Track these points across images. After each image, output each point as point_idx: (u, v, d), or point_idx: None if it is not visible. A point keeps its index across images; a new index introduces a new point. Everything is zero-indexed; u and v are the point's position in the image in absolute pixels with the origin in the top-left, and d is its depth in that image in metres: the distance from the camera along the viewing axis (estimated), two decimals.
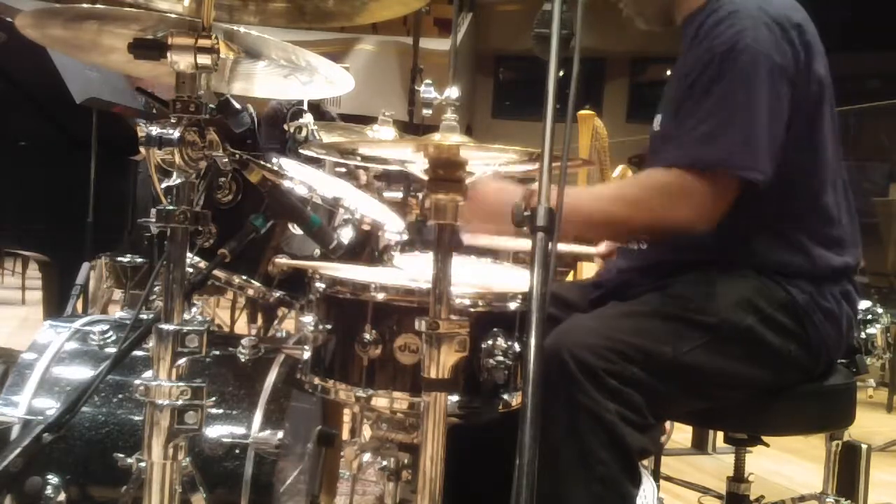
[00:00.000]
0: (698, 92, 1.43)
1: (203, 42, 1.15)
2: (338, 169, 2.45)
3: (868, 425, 4.25)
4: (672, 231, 1.46)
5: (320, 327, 1.34)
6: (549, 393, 1.08)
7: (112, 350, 1.61)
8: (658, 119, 1.66)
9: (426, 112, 1.30)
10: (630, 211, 1.46)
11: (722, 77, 1.41)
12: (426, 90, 1.26)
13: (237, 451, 1.51)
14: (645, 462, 2.49)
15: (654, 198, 1.45)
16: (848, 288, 1.56)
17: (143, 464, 1.18)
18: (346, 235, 1.69)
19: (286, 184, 1.62)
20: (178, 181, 1.17)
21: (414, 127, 3.98)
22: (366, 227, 1.75)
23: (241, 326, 3.97)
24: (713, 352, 1.43)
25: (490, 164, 1.28)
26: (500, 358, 1.26)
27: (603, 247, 2.13)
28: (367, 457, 1.46)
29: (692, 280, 1.50)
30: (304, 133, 2.40)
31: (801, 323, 1.48)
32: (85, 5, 1.18)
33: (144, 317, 1.47)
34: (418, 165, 1.22)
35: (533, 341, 1.01)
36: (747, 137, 1.39)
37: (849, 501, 2.42)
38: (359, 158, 1.44)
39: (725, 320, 1.44)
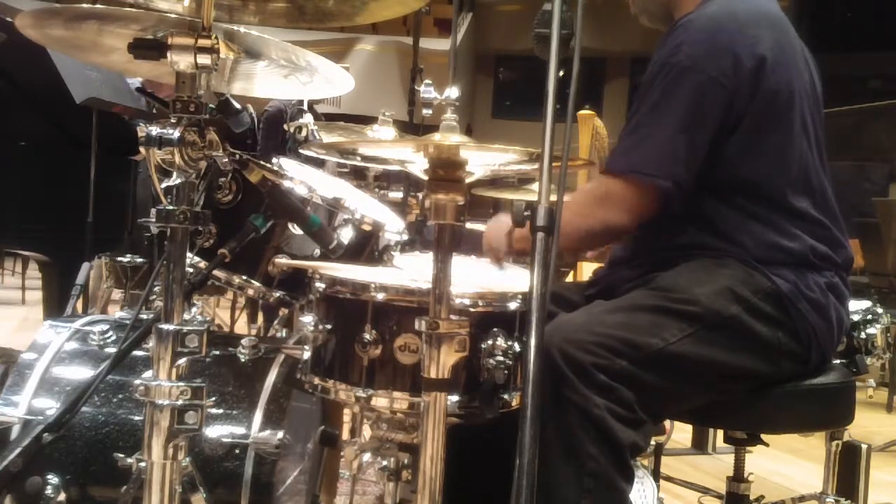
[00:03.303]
0: (637, 101, 1.56)
1: (203, 42, 1.15)
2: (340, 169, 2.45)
3: (868, 425, 4.25)
4: (604, 231, 1.57)
5: (320, 327, 1.34)
6: None
7: (112, 350, 1.61)
8: None
9: (426, 112, 1.30)
10: (576, 217, 1.57)
11: (653, 89, 1.53)
12: (426, 90, 1.26)
13: (237, 451, 1.51)
14: (645, 462, 2.49)
15: (587, 202, 1.59)
16: (835, 281, 1.57)
17: (143, 464, 1.18)
18: (346, 235, 1.69)
19: (286, 184, 1.62)
20: (178, 181, 1.17)
21: (414, 127, 3.97)
22: (366, 227, 1.75)
23: (242, 326, 3.96)
24: (700, 341, 1.44)
25: (490, 164, 1.28)
26: (500, 358, 1.26)
27: None
28: (367, 457, 1.46)
29: (677, 272, 1.53)
30: (304, 133, 2.40)
31: (786, 312, 1.50)
32: (85, 5, 1.18)
33: (144, 317, 1.47)
34: (418, 165, 1.22)
35: (533, 341, 1.02)
36: (662, 148, 1.50)
37: (849, 501, 2.42)
38: (359, 158, 1.45)
39: (710, 309, 1.45)
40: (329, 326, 1.34)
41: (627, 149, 1.55)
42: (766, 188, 1.55)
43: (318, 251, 1.73)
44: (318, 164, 2.12)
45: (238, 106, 1.77)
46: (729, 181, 1.54)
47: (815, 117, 1.62)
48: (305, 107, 2.37)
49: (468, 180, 1.21)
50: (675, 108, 1.50)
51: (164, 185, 1.17)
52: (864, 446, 2.44)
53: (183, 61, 1.15)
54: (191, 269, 1.62)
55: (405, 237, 1.90)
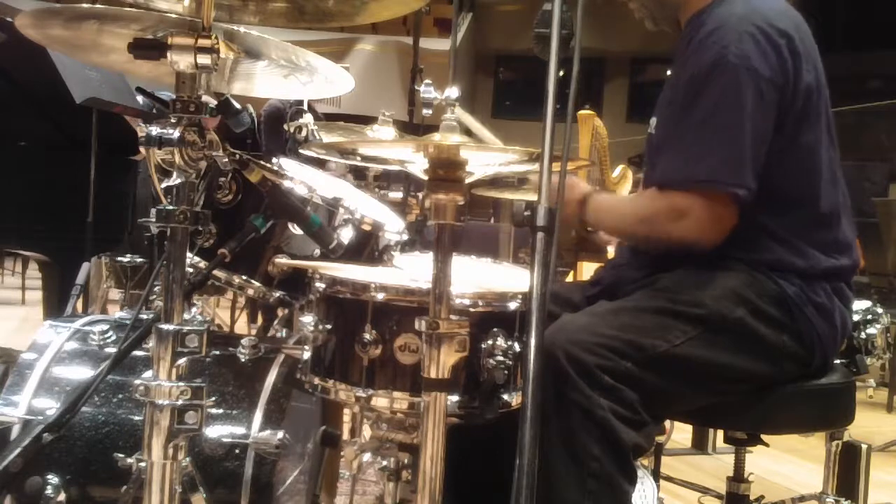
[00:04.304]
0: (686, 108, 1.48)
1: (203, 42, 1.15)
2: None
3: (868, 425, 4.25)
4: (685, 247, 1.49)
5: (320, 327, 1.34)
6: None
7: (112, 350, 1.61)
8: (653, 121, 1.68)
9: (426, 112, 1.30)
10: (648, 230, 1.54)
11: (707, 94, 1.45)
12: (426, 90, 1.26)
13: (237, 451, 1.51)
14: (645, 462, 2.49)
15: (661, 219, 1.51)
16: (840, 285, 1.57)
17: (143, 464, 1.18)
18: (346, 235, 1.69)
19: (286, 184, 1.62)
20: (178, 181, 1.17)
21: (414, 127, 3.97)
22: (366, 227, 1.75)
23: (242, 326, 3.97)
24: (705, 343, 1.44)
25: (490, 164, 1.28)
26: (500, 358, 1.26)
27: None
28: (367, 457, 1.46)
29: (682, 274, 1.52)
30: (304, 133, 2.40)
31: (791, 315, 1.49)
32: (85, 5, 1.18)
33: (144, 317, 1.47)
34: (418, 165, 1.22)
35: (533, 341, 1.02)
36: (732, 154, 1.43)
37: (849, 501, 2.42)
38: (359, 158, 1.45)
39: (715, 312, 1.45)
40: (329, 326, 1.34)
41: (687, 158, 1.47)
42: (796, 192, 1.52)
43: (318, 251, 1.73)
44: (319, 164, 2.12)
45: (238, 106, 1.77)
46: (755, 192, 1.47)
47: (831, 113, 1.59)
48: (305, 106, 2.37)
49: (468, 180, 1.21)
50: (738, 109, 1.42)
51: (164, 185, 1.17)
52: (864, 446, 2.44)
53: (183, 61, 1.15)
54: (191, 269, 1.62)
55: (405, 237, 1.90)
